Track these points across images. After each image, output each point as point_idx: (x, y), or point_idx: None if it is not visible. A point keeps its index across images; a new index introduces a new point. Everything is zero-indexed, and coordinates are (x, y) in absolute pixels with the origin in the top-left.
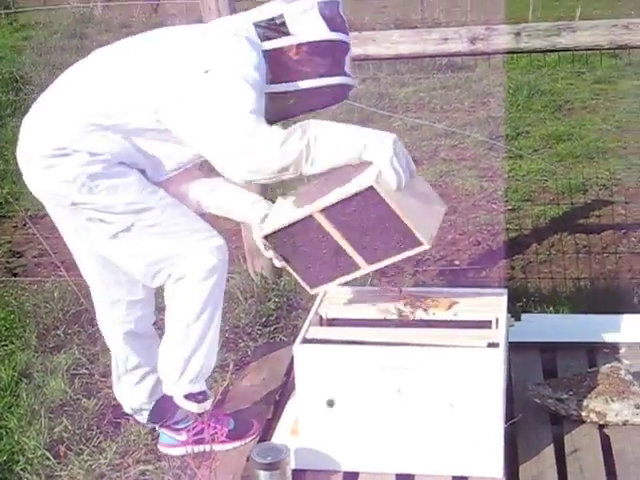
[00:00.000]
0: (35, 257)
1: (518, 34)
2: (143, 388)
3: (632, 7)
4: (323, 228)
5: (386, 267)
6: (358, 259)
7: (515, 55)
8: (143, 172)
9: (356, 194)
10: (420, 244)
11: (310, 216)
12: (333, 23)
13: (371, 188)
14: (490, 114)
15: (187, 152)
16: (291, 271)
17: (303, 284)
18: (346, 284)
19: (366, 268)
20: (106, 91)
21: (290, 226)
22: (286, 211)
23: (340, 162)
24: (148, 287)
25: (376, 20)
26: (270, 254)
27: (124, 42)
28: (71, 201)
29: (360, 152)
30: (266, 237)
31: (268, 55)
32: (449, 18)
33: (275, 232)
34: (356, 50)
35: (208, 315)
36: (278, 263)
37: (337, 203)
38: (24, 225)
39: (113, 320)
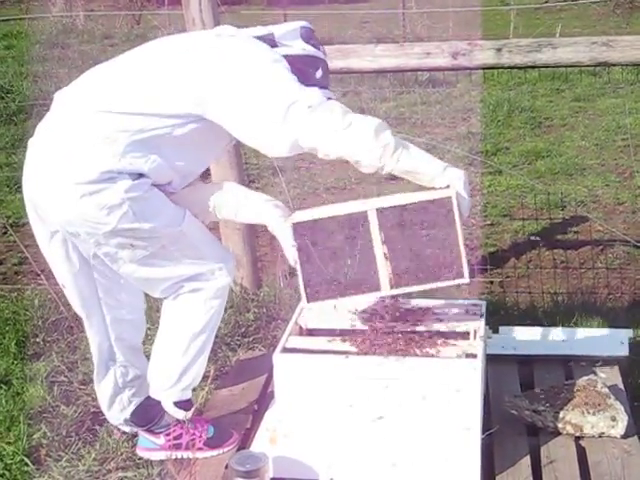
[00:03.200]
0: (15, 265)
1: (499, 50)
2: (138, 399)
3: (612, 25)
4: (368, 230)
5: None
6: (384, 278)
7: (496, 71)
8: (168, 184)
9: (427, 202)
10: (461, 276)
11: (362, 213)
12: (315, 46)
13: (448, 200)
14: (470, 130)
15: (211, 156)
16: (299, 273)
17: (302, 293)
18: None
19: (386, 291)
20: (144, 100)
21: (331, 220)
22: (326, 210)
23: (421, 170)
24: (142, 304)
25: (358, 35)
26: (291, 245)
27: (132, 54)
28: (112, 228)
29: (440, 171)
30: (295, 226)
31: None
32: (430, 34)
33: (309, 222)
34: (339, 63)
35: (211, 329)
36: (293, 260)
37: (400, 207)
38: (5, 232)
39: (114, 338)
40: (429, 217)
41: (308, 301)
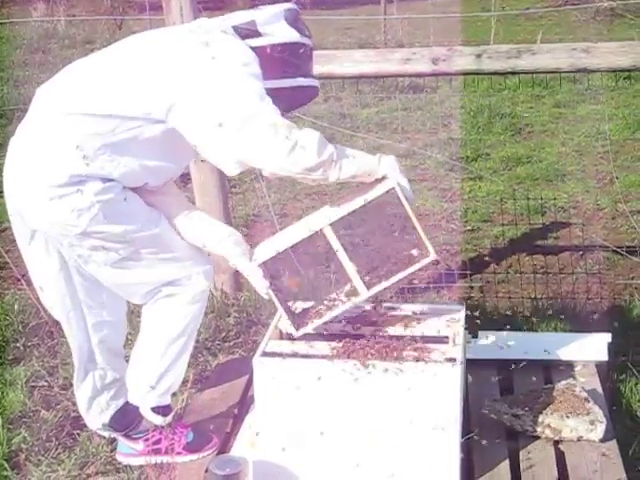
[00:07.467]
0: None
1: (479, 56)
2: (116, 403)
3: (593, 32)
4: (329, 244)
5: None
6: (358, 283)
7: (476, 78)
8: (145, 184)
9: (373, 201)
10: (427, 255)
11: (318, 232)
12: (299, 28)
13: (392, 192)
14: (451, 136)
15: (186, 155)
16: (278, 306)
17: (289, 324)
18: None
19: (365, 294)
20: (114, 101)
21: (292, 249)
22: (285, 237)
23: (362, 171)
24: (124, 306)
25: (340, 41)
26: (263, 283)
27: (105, 53)
28: (82, 230)
29: (376, 165)
30: (262, 266)
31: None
32: (412, 40)
33: (273, 257)
34: (319, 69)
35: (188, 335)
36: (267, 296)
37: (350, 214)
38: None
39: (96, 341)
40: (380, 212)
41: (297, 330)
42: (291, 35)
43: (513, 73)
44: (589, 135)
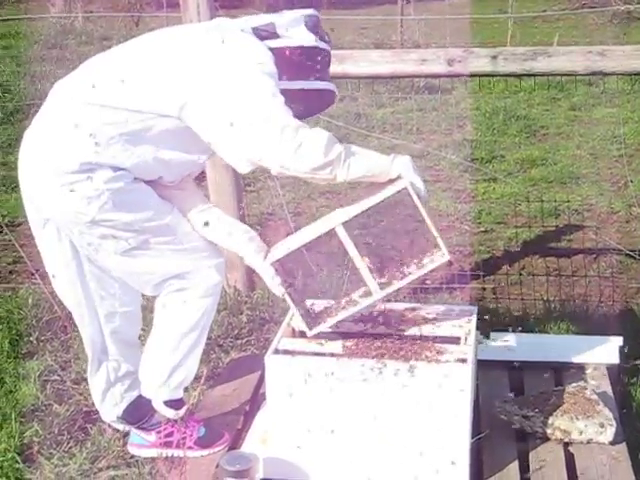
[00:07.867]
0: (10, 264)
1: (495, 57)
2: (130, 395)
3: (610, 36)
4: (342, 244)
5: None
6: (371, 284)
7: (492, 79)
8: (159, 178)
9: (386, 200)
10: (442, 256)
11: (330, 231)
12: (319, 34)
13: (404, 190)
14: (466, 137)
15: (200, 157)
16: (292, 305)
17: (302, 323)
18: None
19: (378, 295)
20: (128, 95)
21: (305, 247)
22: (300, 237)
23: (372, 171)
24: (137, 297)
25: (356, 40)
26: (275, 281)
27: (121, 48)
28: (91, 218)
29: (389, 164)
30: (275, 264)
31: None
32: (428, 41)
33: (286, 256)
34: (335, 68)
35: (201, 329)
36: (281, 294)
37: (362, 213)
38: (0, 231)
39: (109, 332)
40: (393, 212)
41: (310, 329)
42: (310, 39)
43: (529, 75)
44: (604, 138)
